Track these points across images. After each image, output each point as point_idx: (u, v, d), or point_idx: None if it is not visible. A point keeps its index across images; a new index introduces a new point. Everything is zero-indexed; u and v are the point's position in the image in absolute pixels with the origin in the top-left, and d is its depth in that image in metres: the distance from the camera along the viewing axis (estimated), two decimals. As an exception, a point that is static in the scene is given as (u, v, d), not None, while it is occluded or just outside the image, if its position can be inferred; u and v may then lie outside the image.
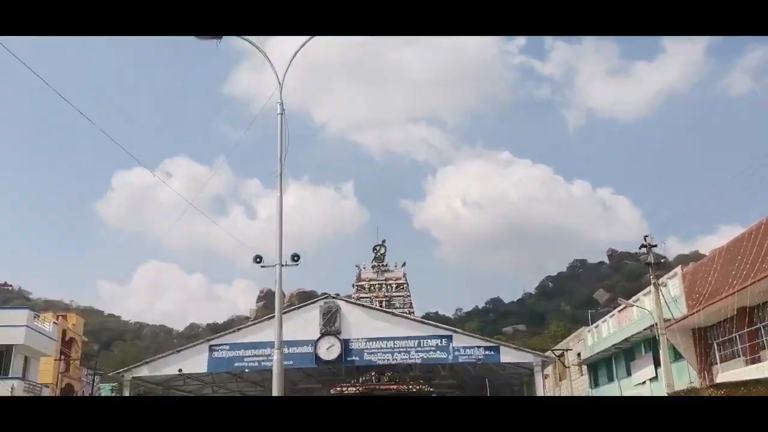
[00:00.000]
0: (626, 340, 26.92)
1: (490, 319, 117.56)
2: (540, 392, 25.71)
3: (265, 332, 25.29)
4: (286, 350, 25.73)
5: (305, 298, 71.81)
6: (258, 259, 12.67)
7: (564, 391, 38.04)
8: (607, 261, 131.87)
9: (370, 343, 26.19)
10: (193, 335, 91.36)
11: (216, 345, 26.79)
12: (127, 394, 26.01)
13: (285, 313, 27.11)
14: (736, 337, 18.89)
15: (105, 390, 38.91)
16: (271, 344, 18.03)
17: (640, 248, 20.90)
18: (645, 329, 24.00)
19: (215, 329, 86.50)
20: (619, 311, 29.36)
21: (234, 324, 73.95)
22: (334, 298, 27.11)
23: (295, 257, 12.49)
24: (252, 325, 28.13)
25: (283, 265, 12.62)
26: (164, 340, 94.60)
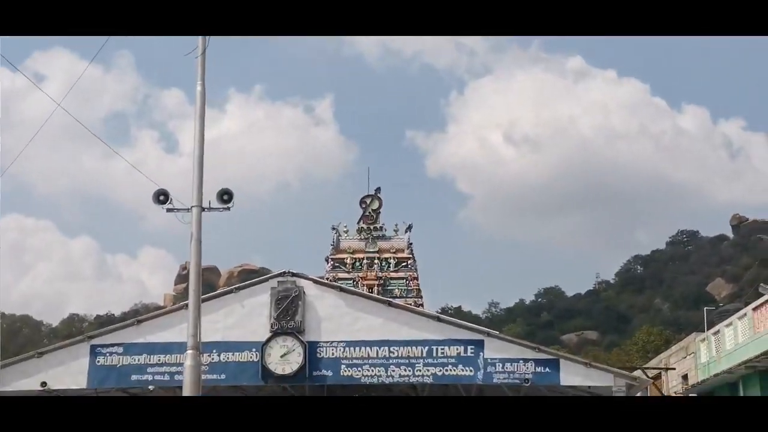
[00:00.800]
0: (766, 354, 26.87)
1: (543, 321, 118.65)
2: None
3: (184, 327, 24.85)
4: (215, 357, 25.62)
5: (253, 278, 71.09)
6: (162, 198, 12.03)
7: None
8: (730, 234, 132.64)
9: (352, 349, 25.82)
10: (74, 333, 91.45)
11: (101, 345, 26.37)
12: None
13: (215, 297, 26.90)
14: None
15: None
16: (190, 346, 17.67)
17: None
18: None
19: (110, 324, 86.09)
20: (755, 309, 29.09)
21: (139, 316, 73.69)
22: (294, 275, 26.67)
23: (225, 196, 11.93)
24: (161, 315, 27.67)
25: (204, 209, 12.00)
26: (28, 339, 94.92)
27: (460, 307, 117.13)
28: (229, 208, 12.43)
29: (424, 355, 25.74)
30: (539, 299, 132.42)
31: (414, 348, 25.78)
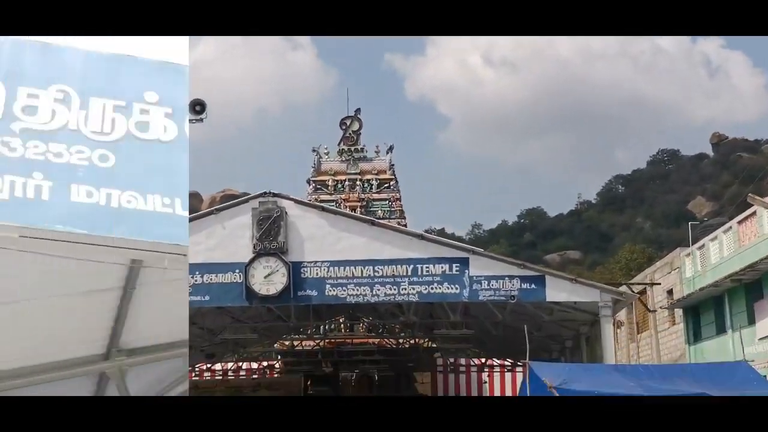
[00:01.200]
0: (751, 267, 26.76)
1: (525, 242, 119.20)
2: (609, 349, 25.37)
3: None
4: (198, 278, 25.26)
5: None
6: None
7: (645, 349, 38.31)
8: (710, 153, 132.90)
9: (336, 268, 25.58)
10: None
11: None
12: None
13: (196, 219, 26.37)
14: None
15: None
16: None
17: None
18: (785, 249, 23.77)
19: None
20: (740, 222, 29.13)
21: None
22: (275, 195, 26.31)
23: (198, 107, 11.41)
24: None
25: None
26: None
27: (443, 229, 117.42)
28: (202, 120, 11.87)
29: (409, 273, 25.55)
30: (522, 220, 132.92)
31: (399, 267, 25.58)
